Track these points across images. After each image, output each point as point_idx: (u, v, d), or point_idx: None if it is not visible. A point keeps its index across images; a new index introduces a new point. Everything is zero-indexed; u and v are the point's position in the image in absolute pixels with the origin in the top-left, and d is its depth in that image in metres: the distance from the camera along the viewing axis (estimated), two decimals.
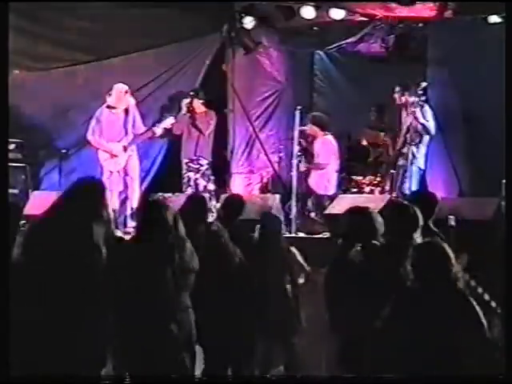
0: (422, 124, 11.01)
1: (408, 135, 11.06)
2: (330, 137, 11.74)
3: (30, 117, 11.84)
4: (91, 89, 11.88)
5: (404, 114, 11.23)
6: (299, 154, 11.40)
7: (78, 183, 5.78)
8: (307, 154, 11.68)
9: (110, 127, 11.40)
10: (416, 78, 11.41)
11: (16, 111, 10.67)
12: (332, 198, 10.83)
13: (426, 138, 11.12)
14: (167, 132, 11.76)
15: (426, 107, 11.01)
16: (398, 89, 11.19)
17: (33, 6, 11.41)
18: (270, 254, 7.23)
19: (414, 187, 11.01)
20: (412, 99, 11.01)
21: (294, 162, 11.47)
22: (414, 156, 11.07)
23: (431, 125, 11.03)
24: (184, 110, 11.70)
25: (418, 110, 10.96)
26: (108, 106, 11.40)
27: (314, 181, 11.68)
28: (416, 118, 10.96)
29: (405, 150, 11.09)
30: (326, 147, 11.68)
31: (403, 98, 11.16)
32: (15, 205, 6.98)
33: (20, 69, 11.65)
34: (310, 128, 11.67)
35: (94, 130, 11.39)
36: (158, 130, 11.57)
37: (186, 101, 11.73)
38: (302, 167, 11.52)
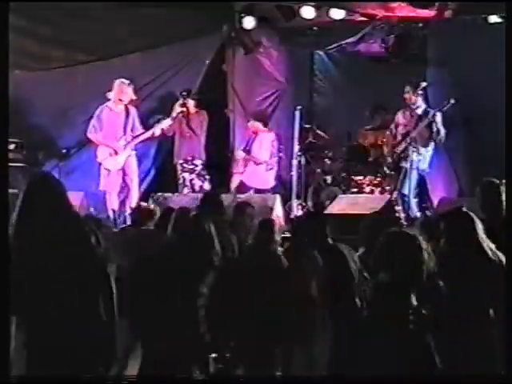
0: (438, 129, 11.05)
1: (414, 137, 11.09)
2: (271, 134, 11.93)
3: (30, 117, 11.85)
4: (91, 89, 11.90)
5: (408, 114, 11.24)
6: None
7: None
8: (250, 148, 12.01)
9: (110, 126, 11.43)
10: (416, 78, 11.42)
11: (16, 111, 10.66)
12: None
13: (432, 143, 11.16)
14: (161, 133, 11.80)
15: (439, 113, 11.05)
16: (408, 88, 11.20)
17: (33, 6, 11.41)
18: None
19: (416, 190, 11.04)
20: (420, 101, 11.09)
21: (294, 162, 11.49)
22: (417, 159, 11.10)
23: (442, 131, 11.07)
24: (178, 110, 11.72)
25: (439, 114, 11.00)
26: (109, 105, 11.41)
27: (247, 176, 11.90)
28: (436, 123, 11.01)
29: (408, 153, 11.11)
30: (265, 143, 11.87)
31: (413, 98, 11.18)
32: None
33: (20, 69, 11.66)
34: (251, 124, 12.00)
35: (94, 128, 11.41)
36: (157, 130, 11.59)
37: (179, 101, 11.76)
38: (238, 156, 11.88)
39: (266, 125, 12.02)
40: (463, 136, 11.74)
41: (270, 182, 11.98)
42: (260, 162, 11.85)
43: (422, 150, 11.13)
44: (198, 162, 11.67)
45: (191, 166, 11.65)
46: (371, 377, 4.71)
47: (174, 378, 5.47)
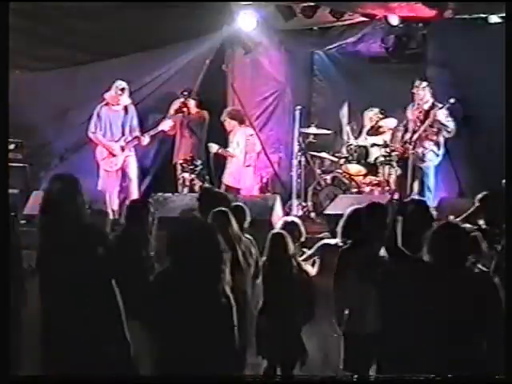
0: (444, 125, 11.06)
1: (424, 135, 11.11)
2: (248, 130, 11.88)
3: (30, 117, 11.86)
4: (91, 89, 11.90)
5: (416, 112, 11.25)
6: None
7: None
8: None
9: (109, 125, 11.44)
10: (416, 78, 11.42)
11: (16, 111, 10.66)
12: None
13: (442, 138, 11.18)
14: (162, 133, 11.80)
15: (440, 111, 11.05)
16: (417, 83, 11.20)
17: (33, 6, 11.42)
18: None
19: (431, 186, 11.10)
20: (429, 98, 11.11)
21: (294, 162, 11.48)
22: (428, 156, 11.15)
23: (451, 124, 11.09)
24: (176, 107, 11.73)
25: (440, 111, 11.00)
26: (107, 104, 11.42)
27: (227, 174, 11.82)
28: (439, 121, 11.02)
29: (420, 150, 11.13)
30: (240, 139, 11.80)
31: (421, 94, 11.19)
32: None
33: (20, 69, 11.66)
34: (227, 122, 11.87)
35: (95, 127, 11.43)
36: (155, 130, 11.62)
37: (179, 101, 11.76)
38: (213, 150, 11.67)
39: (242, 123, 11.93)
40: (463, 136, 11.74)
41: (249, 179, 11.87)
42: (234, 156, 11.76)
43: (436, 146, 11.18)
44: (199, 162, 11.67)
45: (191, 166, 11.64)
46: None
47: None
